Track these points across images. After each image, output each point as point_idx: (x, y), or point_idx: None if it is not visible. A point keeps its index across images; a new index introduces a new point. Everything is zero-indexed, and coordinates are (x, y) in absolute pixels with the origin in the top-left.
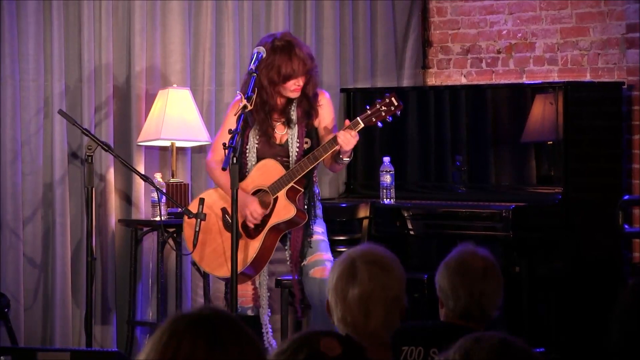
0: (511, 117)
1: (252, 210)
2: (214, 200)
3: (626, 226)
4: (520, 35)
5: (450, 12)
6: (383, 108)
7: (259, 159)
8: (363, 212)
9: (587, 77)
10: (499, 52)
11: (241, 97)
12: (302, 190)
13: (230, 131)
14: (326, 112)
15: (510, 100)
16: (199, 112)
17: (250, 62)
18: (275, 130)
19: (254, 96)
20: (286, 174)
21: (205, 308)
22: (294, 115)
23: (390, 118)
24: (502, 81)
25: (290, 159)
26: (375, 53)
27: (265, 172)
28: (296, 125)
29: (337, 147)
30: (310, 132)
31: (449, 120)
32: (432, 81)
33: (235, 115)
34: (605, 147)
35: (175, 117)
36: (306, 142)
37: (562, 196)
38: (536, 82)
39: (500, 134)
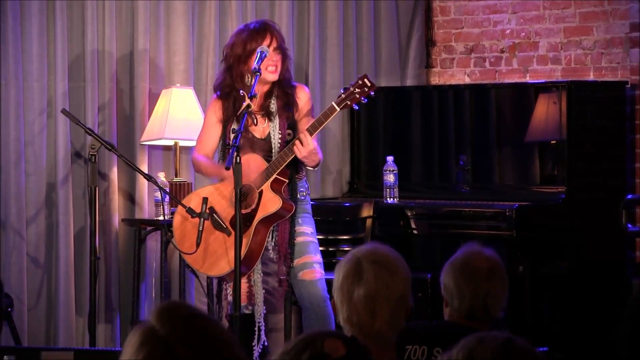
0: (515, 116)
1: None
2: (198, 203)
3: (629, 225)
4: (523, 34)
5: (453, 11)
6: (357, 90)
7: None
8: (366, 211)
9: (591, 77)
10: (502, 51)
11: (244, 96)
12: (287, 181)
13: (233, 130)
14: (304, 105)
15: (513, 99)
16: (202, 111)
17: (254, 62)
18: (257, 123)
19: (258, 95)
20: (268, 166)
21: (180, 324)
22: (273, 107)
23: (365, 99)
24: (506, 80)
25: (273, 151)
26: (378, 53)
27: (248, 166)
28: (277, 118)
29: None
30: (292, 124)
31: (453, 120)
32: (435, 80)
33: (238, 114)
34: (609, 146)
35: (179, 117)
36: (289, 134)
37: (566, 195)
38: (540, 82)
39: (504, 133)
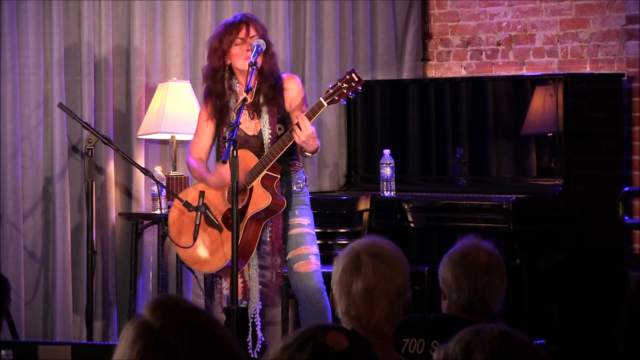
0: (511, 109)
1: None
2: (195, 196)
3: (626, 218)
4: (520, 27)
5: (450, 4)
6: (344, 85)
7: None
8: (363, 204)
9: (587, 69)
10: (498, 44)
11: (240, 89)
12: (278, 176)
13: (229, 124)
14: (295, 95)
15: (510, 92)
16: (199, 105)
17: (251, 55)
18: (247, 121)
19: (254, 89)
20: (258, 162)
21: (174, 318)
22: (262, 103)
23: (353, 94)
24: (502, 73)
25: (265, 146)
26: (375, 46)
27: (239, 162)
28: (266, 114)
29: (292, 141)
30: (282, 118)
31: (449, 113)
32: (432, 73)
33: (235, 108)
34: (606, 138)
35: (176, 111)
36: (279, 129)
37: (563, 188)
38: (536, 74)
39: (501, 126)
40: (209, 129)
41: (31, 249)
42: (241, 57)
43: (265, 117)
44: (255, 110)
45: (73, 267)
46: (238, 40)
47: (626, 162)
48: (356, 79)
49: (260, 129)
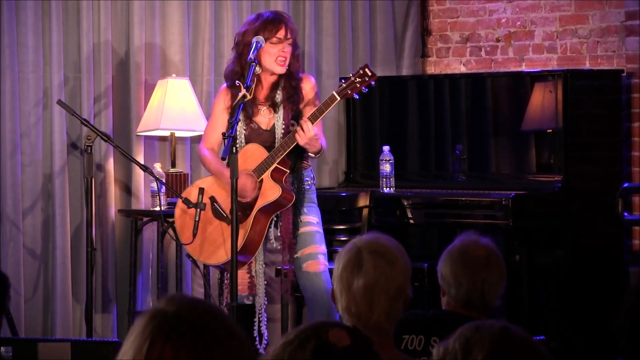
0: (511, 105)
1: (241, 184)
2: (197, 195)
3: (626, 214)
4: (519, 23)
5: (449, 0)
6: (357, 79)
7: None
8: (363, 201)
9: (587, 65)
10: (498, 40)
11: (240, 86)
12: (288, 171)
13: (229, 121)
14: (308, 94)
15: (509, 88)
16: (198, 102)
17: (249, 52)
18: (261, 114)
19: (254, 85)
20: (268, 155)
21: (181, 309)
22: (279, 98)
23: (366, 89)
24: (502, 70)
25: (276, 142)
26: (374, 43)
27: (249, 156)
28: (281, 109)
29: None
30: (296, 115)
31: (449, 109)
32: (431, 70)
33: (234, 104)
34: (605, 135)
35: (175, 107)
36: (292, 125)
37: (562, 184)
38: (535, 71)
39: (500, 122)
40: (224, 118)
41: (31, 246)
42: (272, 56)
43: (280, 112)
44: (272, 106)
45: (73, 264)
46: (274, 40)
47: (625, 158)
48: (369, 74)
49: (274, 124)
